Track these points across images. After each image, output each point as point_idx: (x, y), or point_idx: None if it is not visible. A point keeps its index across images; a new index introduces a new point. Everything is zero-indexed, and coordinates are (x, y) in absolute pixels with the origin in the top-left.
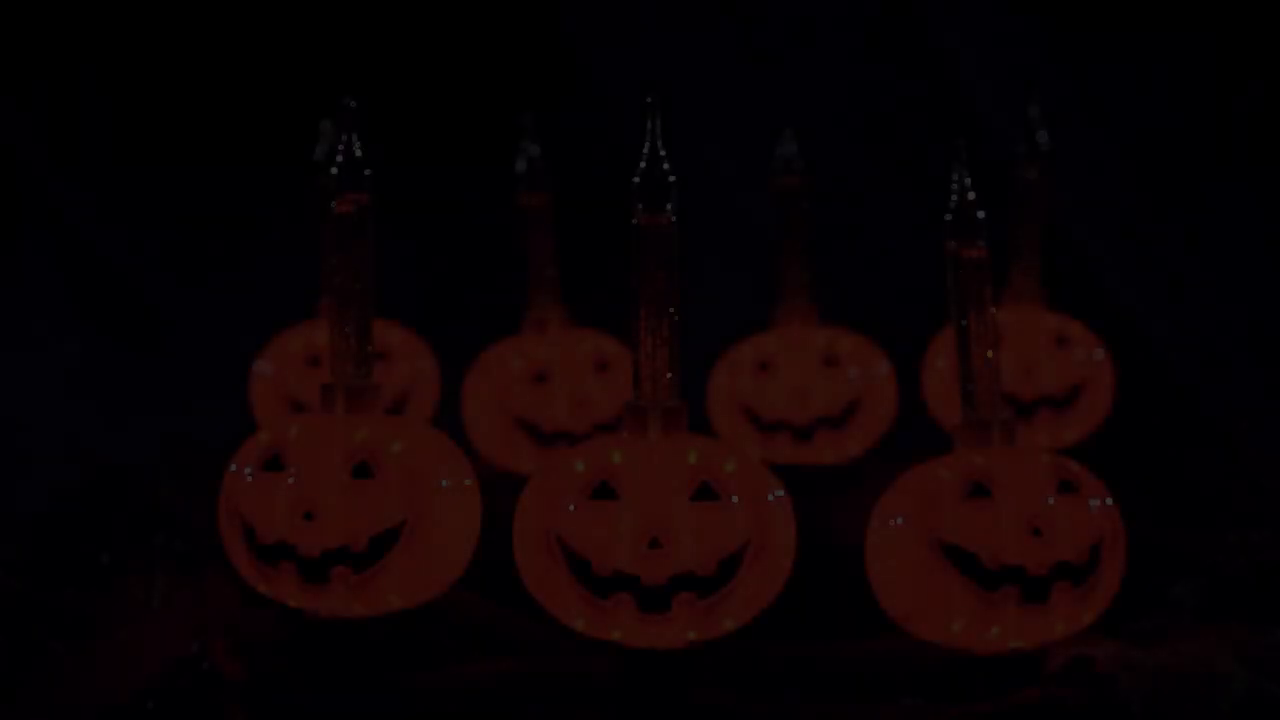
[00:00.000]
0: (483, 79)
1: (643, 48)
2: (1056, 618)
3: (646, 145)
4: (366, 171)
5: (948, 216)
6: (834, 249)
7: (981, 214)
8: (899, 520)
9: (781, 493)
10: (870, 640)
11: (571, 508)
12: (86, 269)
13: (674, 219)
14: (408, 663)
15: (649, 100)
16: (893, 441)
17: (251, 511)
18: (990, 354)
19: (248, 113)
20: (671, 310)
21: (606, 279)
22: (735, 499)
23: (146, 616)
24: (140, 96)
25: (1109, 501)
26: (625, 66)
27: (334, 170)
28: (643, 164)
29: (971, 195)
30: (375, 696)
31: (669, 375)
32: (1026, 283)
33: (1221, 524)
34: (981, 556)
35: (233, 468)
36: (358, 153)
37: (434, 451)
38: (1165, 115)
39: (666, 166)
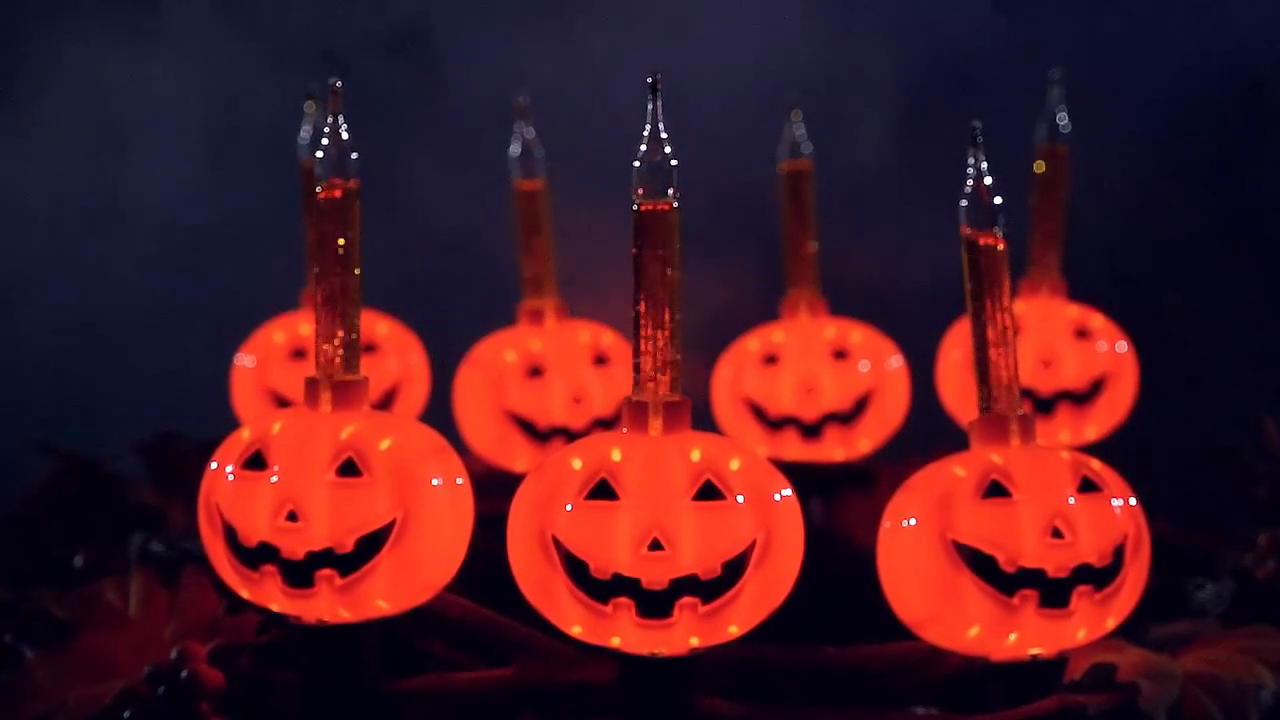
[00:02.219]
0: (474, 52)
1: (644, 22)
2: (1077, 623)
3: (648, 127)
4: (353, 155)
5: (963, 202)
6: (844, 236)
7: (998, 200)
8: (912, 521)
9: (789, 492)
10: (882, 647)
11: (568, 508)
12: None
13: (676, 204)
14: (396, 671)
15: (650, 80)
16: (905, 438)
17: (233, 512)
18: (1008, 347)
19: None
20: (673, 300)
21: (605, 267)
22: (740, 499)
23: (123, 622)
24: None
25: (1132, 501)
26: (626, 41)
27: (319, 154)
28: (643, 147)
29: (988, 180)
30: (362, 706)
31: (670, 369)
32: (1046, 272)
33: (1250, 525)
34: (999, 559)
35: (213, 466)
36: (344, 135)
37: (424, 449)
38: (1188, 94)
39: (668, 149)
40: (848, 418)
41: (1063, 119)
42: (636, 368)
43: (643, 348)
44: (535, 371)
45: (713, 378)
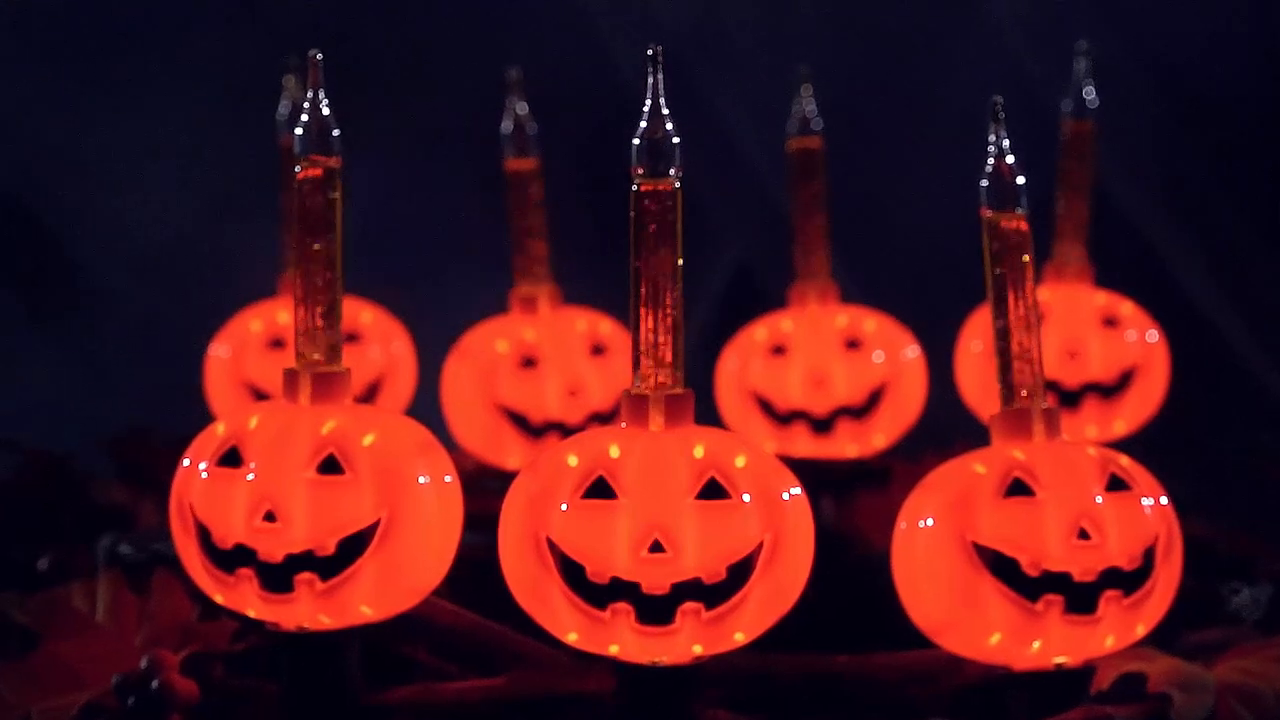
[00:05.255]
0: (466, 26)
1: None
2: (1105, 630)
3: (648, 101)
4: (335, 132)
5: (983, 182)
6: (857, 219)
7: (1021, 180)
8: (929, 521)
9: (798, 490)
10: (897, 655)
11: (564, 507)
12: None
13: (678, 184)
14: (381, 681)
15: (651, 51)
16: (922, 433)
17: (207, 512)
18: (1032, 336)
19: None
20: (675, 287)
21: (603, 252)
22: (746, 498)
23: (90, 629)
24: None
25: (1164, 500)
26: (627, 14)
27: (298, 131)
28: (643, 122)
29: (1010, 159)
30: (345, 718)
31: (672, 359)
32: (1072, 256)
33: None
34: (1022, 561)
35: (186, 463)
36: (325, 111)
37: (410, 445)
38: (1220, 72)
39: (670, 126)
40: (860, 412)
41: (1090, 94)
42: (636, 358)
43: (643, 337)
44: (528, 362)
45: (717, 369)
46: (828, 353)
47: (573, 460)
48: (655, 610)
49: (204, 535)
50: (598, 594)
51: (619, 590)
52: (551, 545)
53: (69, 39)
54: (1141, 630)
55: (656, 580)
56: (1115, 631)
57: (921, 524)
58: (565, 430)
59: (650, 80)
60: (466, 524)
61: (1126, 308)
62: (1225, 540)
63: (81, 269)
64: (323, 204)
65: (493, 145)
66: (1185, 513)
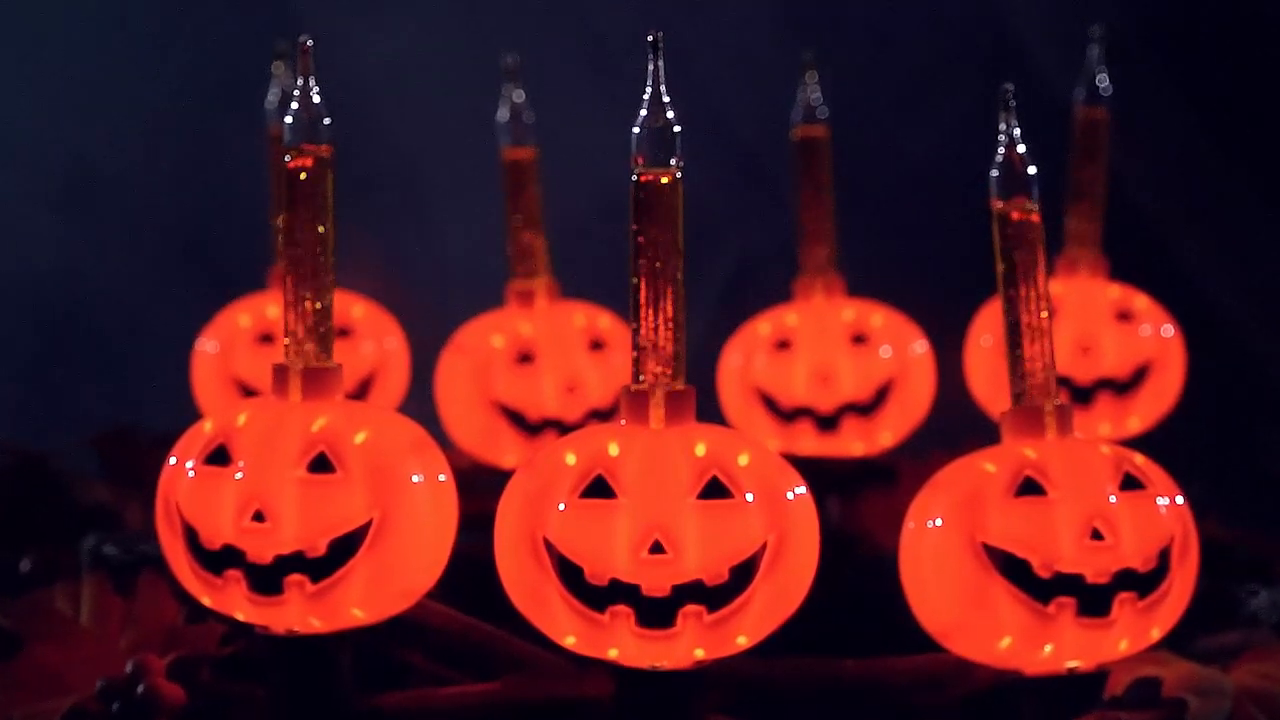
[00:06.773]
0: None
1: None
2: (1119, 633)
3: (648, 89)
4: (325, 120)
5: (994, 172)
6: (864, 210)
7: (1032, 170)
8: (938, 521)
9: (803, 490)
10: (905, 659)
11: (561, 507)
12: None
13: (679, 174)
14: (373, 686)
15: (651, 37)
16: (930, 431)
17: (194, 512)
18: (1043, 331)
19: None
20: (676, 280)
21: (601, 244)
22: (749, 497)
23: (73, 632)
24: None
25: (1179, 500)
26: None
27: (288, 119)
28: (643, 111)
29: (1021, 148)
30: None
31: (673, 355)
32: (1085, 249)
33: None
34: (1033, 563)
35: (172, 461)
36: (315, 99)
37: (403, 443)
38: (1237, 59)
39: (670, 114)
40: (867, 409)
41: (1103, 81)
42: (636, 354)
43: (642, 332)
44: (525, 358)
45: (720, 365)
46: (833, 348)
47: (571, 458)
48: (656, 613)
49: (191, 536)
50: (597, 596)
51: (618, 592)
52: (549, 546)
53: (59, 29)
54: (1156, 633)
55: (657, 582)
56: (1129, 635)
57: (930, 524)
58: (563, 428)
59: (650, 67)
60: (461, 524)
61: (1140, 302)
62: (1242, 541)
63: (62, 260)
64: (313, 194)
65: (488, 134)
66: (1201, 513)
